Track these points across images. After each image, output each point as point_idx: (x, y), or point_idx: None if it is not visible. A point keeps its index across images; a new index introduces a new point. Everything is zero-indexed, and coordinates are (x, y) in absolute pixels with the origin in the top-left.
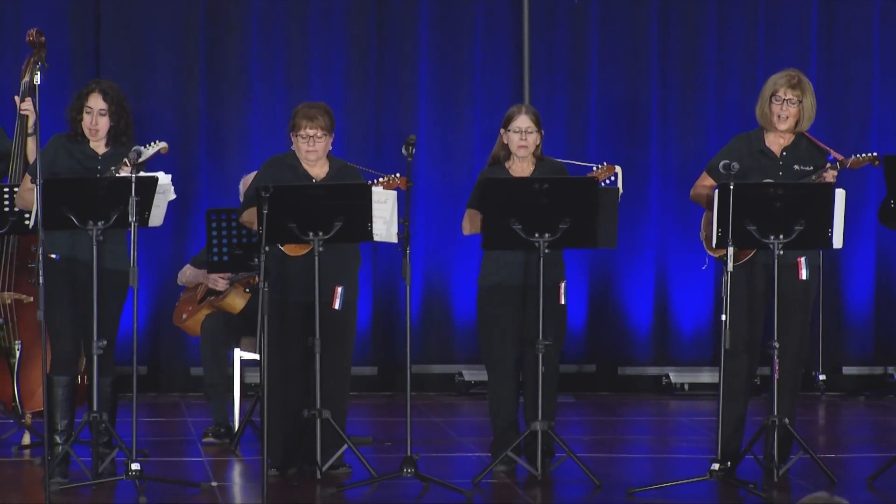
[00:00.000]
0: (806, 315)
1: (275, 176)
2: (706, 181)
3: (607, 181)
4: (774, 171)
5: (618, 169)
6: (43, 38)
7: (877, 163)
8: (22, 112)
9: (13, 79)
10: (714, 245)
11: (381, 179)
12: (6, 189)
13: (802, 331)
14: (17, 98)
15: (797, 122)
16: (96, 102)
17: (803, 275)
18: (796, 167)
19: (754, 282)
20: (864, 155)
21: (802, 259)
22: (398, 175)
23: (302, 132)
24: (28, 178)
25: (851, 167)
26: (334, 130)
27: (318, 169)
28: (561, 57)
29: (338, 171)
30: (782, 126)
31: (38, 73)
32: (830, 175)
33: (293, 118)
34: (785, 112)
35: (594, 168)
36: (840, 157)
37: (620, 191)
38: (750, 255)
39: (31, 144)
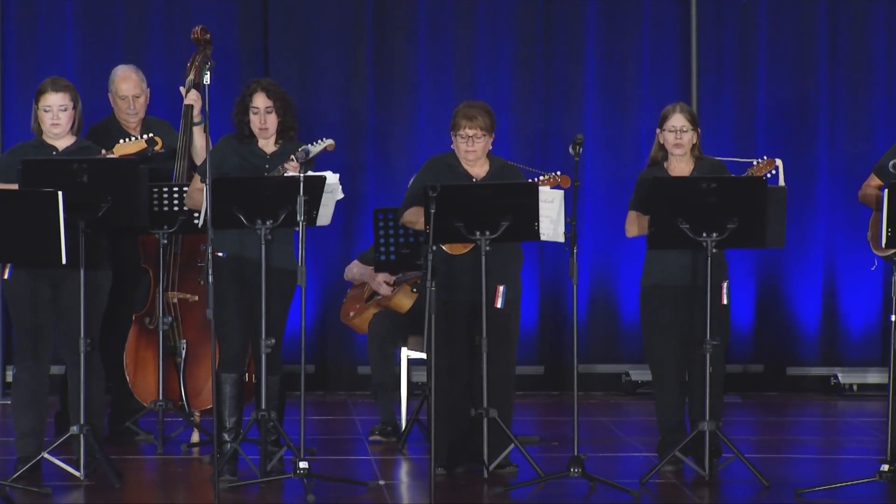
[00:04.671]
0: None
1: (435, 176)
2: (874, 181)
3: (768, 175)
4: None
5: (778, 162)
6: (208, 36)
7: None
8: (187, 102)
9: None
10: (883, 245)
11: (542, 178)
12: (175, 189)
13: None
14: (182, 89)
15: None
16: (261, 101)
17: None
18: None
19: None
20: None
21: None
22: (559, 173)
23: (462, 132)
24: (197, 178)
25: None
26: (494, 130)
27: (478, 168)
28: (729, 56)
29: (498, 170)
30: None
31: (208, 73)
32: None
33: (453, 118)
34: None
35: (754, 163)
36: None
37: (782, 185)
38: None
39: (198, 136)
